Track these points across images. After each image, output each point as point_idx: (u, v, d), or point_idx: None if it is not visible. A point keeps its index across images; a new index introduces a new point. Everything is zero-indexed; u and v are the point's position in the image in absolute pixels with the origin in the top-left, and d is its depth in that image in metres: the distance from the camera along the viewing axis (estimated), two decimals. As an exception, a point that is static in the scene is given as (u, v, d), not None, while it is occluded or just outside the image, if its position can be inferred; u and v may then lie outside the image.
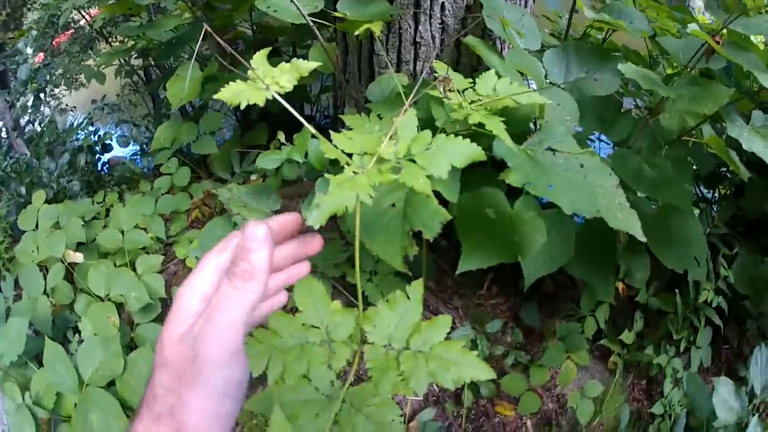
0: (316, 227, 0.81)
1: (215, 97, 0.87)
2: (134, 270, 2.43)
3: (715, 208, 2.94)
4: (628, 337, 2.60)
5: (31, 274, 2.46)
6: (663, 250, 2.02)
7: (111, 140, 3.80)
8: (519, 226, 1.65)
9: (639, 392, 2.80)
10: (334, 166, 0.87)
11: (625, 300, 2.81)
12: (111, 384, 2.06)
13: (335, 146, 0.87)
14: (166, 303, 2.46)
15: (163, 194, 2.88)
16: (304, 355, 0.91)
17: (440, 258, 2.58)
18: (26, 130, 4.68)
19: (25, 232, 2.66)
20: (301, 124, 0.86)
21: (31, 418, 2.04)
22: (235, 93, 0.87)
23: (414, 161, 0.91)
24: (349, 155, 0.90)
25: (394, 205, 1.36)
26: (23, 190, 3.33)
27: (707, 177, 2.88)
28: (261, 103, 0.86)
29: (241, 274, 0.75)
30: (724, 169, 2.87)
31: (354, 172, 0.84)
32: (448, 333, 0.94)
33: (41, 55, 4.67)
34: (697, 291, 2.62)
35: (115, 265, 2.41)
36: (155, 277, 2.40)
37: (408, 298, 0.99)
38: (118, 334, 2.13)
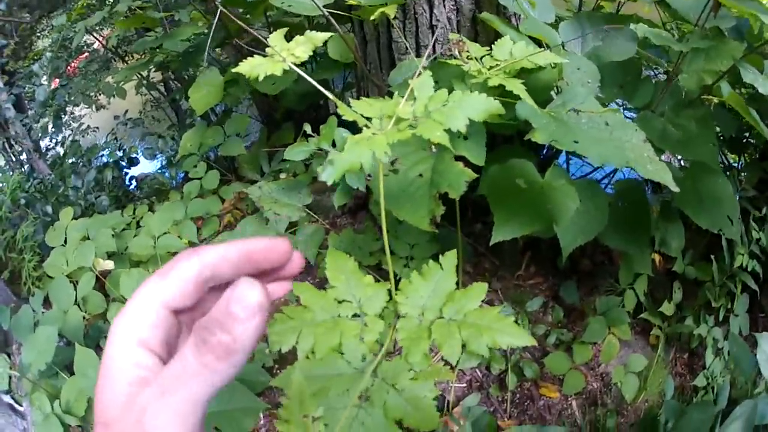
0: (329, 183, 0.77)
1: (233, 71, 0.84)
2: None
3: (742, 175, 2.87)
4: (668, 308, 2.54)
5: (61, 285, 2.41)
6: (696, 212, 1.99)
7: (137, 154, 3.80)
8: (550, 194, 1.62)
9: (681, 366, 2.73)
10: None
11: (663, 273, 2.75)
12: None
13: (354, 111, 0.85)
14: None
15: (192, 198, 2.84)
16: (336, 328, 0.88)
17: (476, 241, 2.54)
18: (48, 151, 4.76)
19: (53, 248, 2.61)
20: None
21: (60, 427, 2.01)
22: (253, 67, 0.85)
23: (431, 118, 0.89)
24: (368, 119, 0.88)
25: (421, 175, 1.36)
26: (49, 209, 3.33)
27: (731, 142, 2.84)
28: (278, 73, 0.83)
29: (215, 348, 0.53)
30: (747, 134, 2.84)
31: (373, 133, 0.82)
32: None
33: (56, 81, 4.65)
34: (731, 256, 2.55)
35: (148, 272, 2.37)
36: None
37: (441, 268, 0.96)
38: None
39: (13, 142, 4.59)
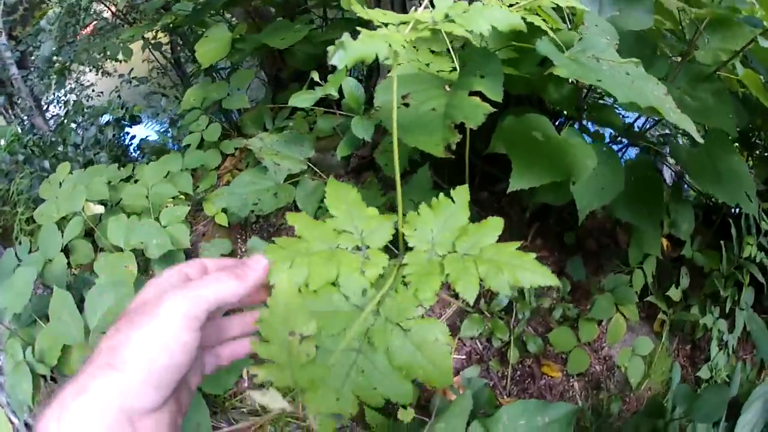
0: (339, 66, 0.68)
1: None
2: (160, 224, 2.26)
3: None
4: (674, 294, 2.47)
5: (49, 232, 2.25)
6: (714, 186, 1.90)
7: (140, 113, 3.70)
8: (567, 149, 1.55)
9: (683, 358, 2.66)
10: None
11: (670, 260, 2.68)
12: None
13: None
14: (191, 255, 2.32)
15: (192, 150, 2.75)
16: (334, 260, 0.79)
17: (482, 210, 2.44)
18: (48, 108, 4.69)
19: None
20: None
21: (29, 375, 1.85)
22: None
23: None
24: (385, 25, 0.79)
25: (434, 109, 1.27)
26: (47, 164, 3.22)
27: (741, 140, 2.76)
28: None
29: (227, 270, 0.72)
30: (756, 134, 2.78)
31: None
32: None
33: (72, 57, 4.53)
34: (740, 246, 2.51)
35: (138, 221, 2.20)
36: (179, 227, 2.21)
37: (453, 202, 0.87)
38: (132, 279, 1.97)
39: (15, 100, 4.49)
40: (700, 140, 1.27)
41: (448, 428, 1.65)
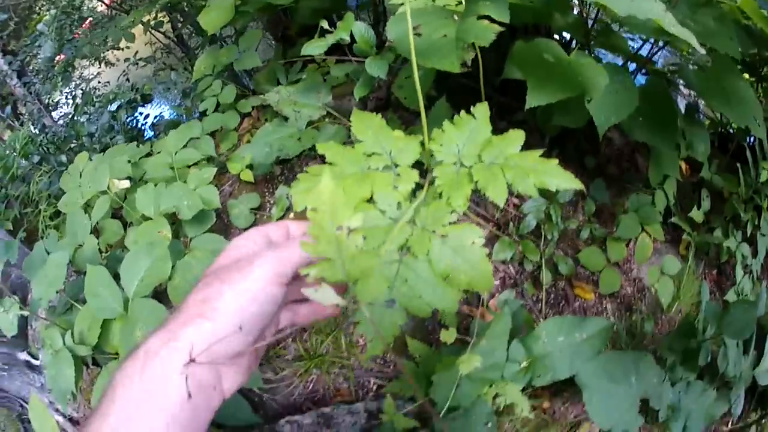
0: None
1: None
2: (189, 188, 2.29)
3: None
4: (697, 215, 2.46)
5: (76, 218, 2.25)
6: (724, 106, 1.91)
7: (150, 91, 3.71)
8: (578, 69, 1.56)
9: (711, 282, 2.65)
10: None
11: (689, 183, 2.71)
12: (161, 295, 1.92)
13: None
14: (221, 215, 2.38)
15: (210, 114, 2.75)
16: (367, 180, 0.81)
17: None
18: (58, 107, 4.72)
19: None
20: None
21: (70, 359, 1.80)
22: None
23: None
24: None
25: (445, 35, 1.31)
26: (64, 158, 3.26)
27: (749, 70, 2.70)
28: None
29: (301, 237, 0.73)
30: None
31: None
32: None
33: (62, 56, 4.58)
34: (756, 169, 2.52)
35: (165, 189, 2.19)
36: (208, 188, 2.22)
37: (474, 118, 0.89)
38: (166, 241, 1.96)
39: (20, 106, 4.56)
40: (702, 51, 1.28)
41: (489, 347, 1.71)
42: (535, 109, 1.54)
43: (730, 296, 2.50)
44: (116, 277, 1.80)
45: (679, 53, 2.53)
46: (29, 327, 2.43)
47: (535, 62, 1.57)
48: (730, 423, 2.23)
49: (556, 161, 0.79)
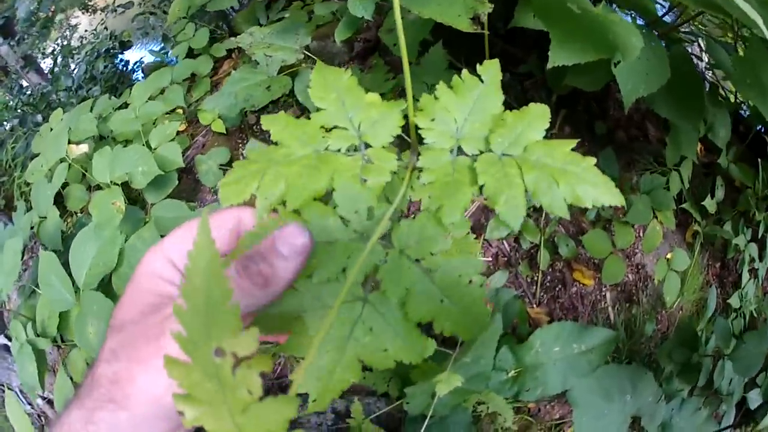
0: None
1: None
2: (149, 147, 2.03)
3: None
4: (710, 205, 2.24)
5: (39, 187, 2.04)
6: (758, 98, 1.64)
7: (130, 38, 3.46)
8: (608, 25, 1.27)
9: (713, 276, 2.46)
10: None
11: (703, 167, 2.46)
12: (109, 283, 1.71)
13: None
14: (186, 174, 2.15)
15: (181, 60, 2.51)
16: (322, 167, 0.55)
17: (504, 94, 2.20)
18: (39, 61, 4.46)
19: (39, 155, 2.31)
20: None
21: (32, 355, 1.67)
22: None
23: None
24: None
25: None
26: (39, 118, 3.09)
27: None
28: None
29: (255, 276, 0.52)
30: None
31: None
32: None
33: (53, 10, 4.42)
34: None
35: (123, 148, 1.96)
36: (170, 146, 1.98)
37: (480, 80, 0.60)
38: (116, 218, 1.75)
39: (5, 66, 4.38)
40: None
41: (475, 355, 1.47)
42: (544, 61, 1.26)
43: (734, 300, 2.32)
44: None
45: (702, 31, 2.28)
46: (3, 309, 2.29)
47: (560, 12, 1.27)
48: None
49: (593, 161, 0.54)
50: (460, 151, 0.57)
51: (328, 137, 0.57)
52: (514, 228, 0.52)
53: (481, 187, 0.53)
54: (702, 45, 2.62)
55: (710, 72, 2.60)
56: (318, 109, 0.59)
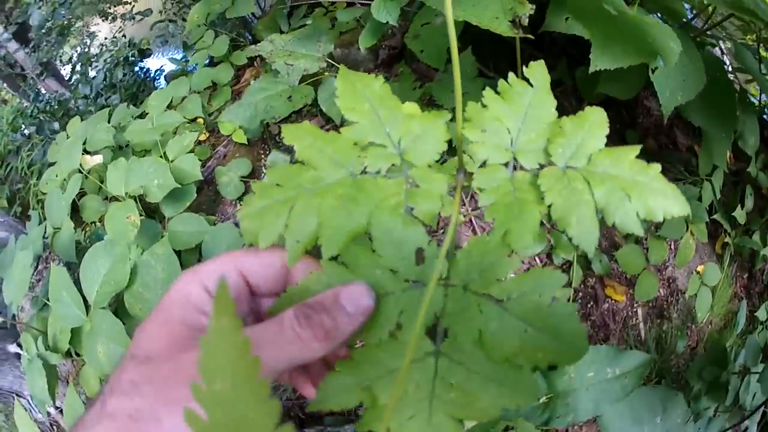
0: None
1: None
2: (166, 159, 1.97)
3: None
4: (740, 215, 2.16)
5: (53, 198, 1.97)
6: None
7: (149, 45, 3.43)
8: (645, 28, 1.19)
9: (740, 288, 2.39)
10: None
11: (732, 175, 2.37)
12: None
13: None
14: (206, 186, 2.09)
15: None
16: (360, 197, 0.47)
17: None
18: (59, 68, 4.48)
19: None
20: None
21: (42, 370, 1.60)
22: None
23: None
24: None
25: None
26: (56, 125, 3.04)
27: None
28: None
29: (316, 327, 0.47)
30: None
31: None
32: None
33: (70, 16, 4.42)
34: None
35: (139, 161, 1.88)
36: (188, 158, 1.90)
37: (531, 85, 0.53)
38: (130, 234, 1.69)
39: (22, 73, 4.37)
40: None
41: None
42: (573, 69, 1.17)
43: (761, 314, 2.25)
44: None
45: (723, 34, 2.19)
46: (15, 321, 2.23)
47: (597, 14, 1.20)
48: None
49: (658, 168, 0.48)
50: (516, 166, 0.49)
51: (363, 156, 0.49)
52: (589, 252, 0.46)
53: (549, 207, 0.46)
54: (723, 48, 2.55)
55: (732, 76, 2.54)
56: (348, 122, 0.51)
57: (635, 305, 2.02)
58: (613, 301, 1.97)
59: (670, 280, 2.12)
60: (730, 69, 2.40)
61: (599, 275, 1.95)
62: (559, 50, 1.28)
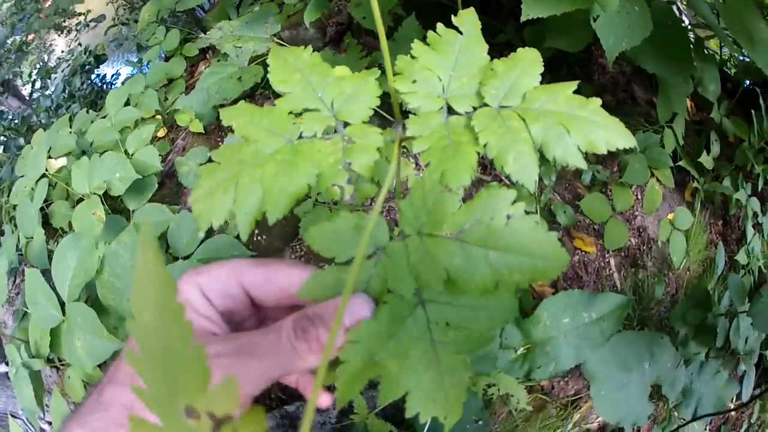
0: None
1: None
2: (127, 154, 1.98)
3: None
4: (707, 161, 2.19)
5: (23, 208, 2.00)
6: (747, 46, 1.61)
7: (103, 51, 3.41)
8: None
9: (715, 234, 2.40)
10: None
11: (695, 124, 2.42)
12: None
13: None
14: (168, 179, 2.10)
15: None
16: (299, 160, 0.47)
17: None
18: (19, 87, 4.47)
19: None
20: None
21: (27, 378, 1.62)
22: None
23: None
24: None
25: None
26: (22, 141, 3.05)
27: None
28: None
29: (312, 341, 0.47)
30: None
31: None
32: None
33: (32, 35, 4.43)
34: None
35: (98, 158, 1.90)
36: (147, 150, 1.92)
37: (460, 33, 0.53)
38: (96, 227, 1.71)
39: None
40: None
41: None
42: (521, 30, 1.16)
43: (741, 257, 2.26)
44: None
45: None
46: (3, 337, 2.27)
47: (531, -37, 1.20)
48: (734, 398, 2.06)
49: (599, 102, 0.47)
50: (450, 111, 0.49)
51: (299, 123, 0.49)
52: (529, 188, 0.46)
53: (484, 146, 0.45)
54: (681, 5, 2.57)
55: (692, 33, 2.56)
56: (283, 94, 0.51)
57: (607, 255, 2.02)
58: (583, 253, 1.98)
59: (641, 229, 2.13)
60: (689, 26, 2.43)
61: (565, 227, 1.95)
62: (507, 13, 1.27)
